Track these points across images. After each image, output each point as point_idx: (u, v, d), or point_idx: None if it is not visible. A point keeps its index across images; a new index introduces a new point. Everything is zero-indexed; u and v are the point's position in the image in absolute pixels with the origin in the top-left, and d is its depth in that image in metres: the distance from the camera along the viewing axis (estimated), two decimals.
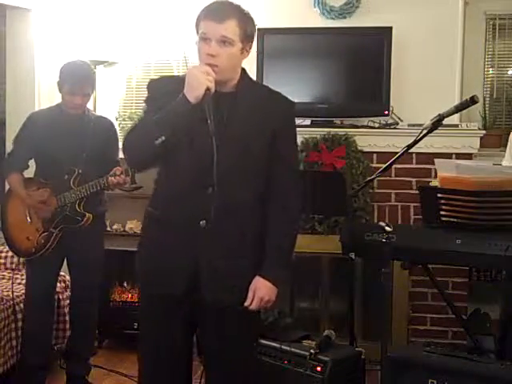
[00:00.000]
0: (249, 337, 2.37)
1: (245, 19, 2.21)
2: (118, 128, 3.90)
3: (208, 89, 2.09)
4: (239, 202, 2.21)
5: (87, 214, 3.40)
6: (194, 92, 2.09)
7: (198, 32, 2.20)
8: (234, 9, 2.20)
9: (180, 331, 2.29)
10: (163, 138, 2.11)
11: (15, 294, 3.61)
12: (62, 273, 3.69)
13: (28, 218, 3.45)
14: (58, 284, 3.72)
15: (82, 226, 3.40)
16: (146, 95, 2.32)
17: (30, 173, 3.59)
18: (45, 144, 3.39)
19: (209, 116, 2.09)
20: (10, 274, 3.96)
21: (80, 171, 3.38)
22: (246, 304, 2.22)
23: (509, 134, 3.59)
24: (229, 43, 2.15)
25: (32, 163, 3.58)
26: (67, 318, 3.87)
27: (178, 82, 2.16)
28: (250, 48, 2.26)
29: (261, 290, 2.22)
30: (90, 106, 4.26)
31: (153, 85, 2.32)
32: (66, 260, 3.56)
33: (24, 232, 3.45)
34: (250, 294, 2.22)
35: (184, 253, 2.21)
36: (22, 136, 3.49)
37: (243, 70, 2.30)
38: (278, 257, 2.26)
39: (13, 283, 3.62)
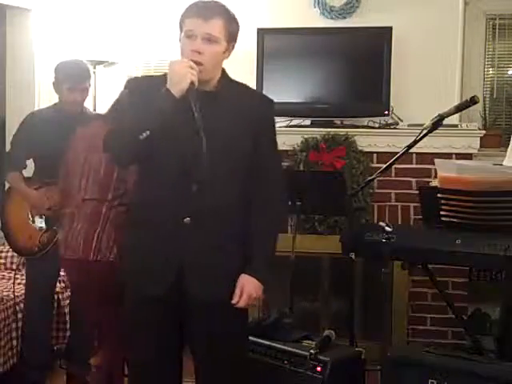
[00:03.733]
0: (237, 335, 2.34)
1: (230, 19, 2.21)
2: None
3: (192, 83, 2.10)
4: (224, 200, 2.21)
5: None
6: (177, 86, 2.10)
7: (181, 30, 2.20)
8: (221, 8, 2.21)
9: (169, 332, 2.29)
10: (148, 132, 2.11)
11: (16, 293, 3.60)
12: (61, 273, 3.68)
13: (30, 216, 3.44)
14: (58, 284, 3.71)
15: None
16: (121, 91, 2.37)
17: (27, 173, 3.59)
18: (45, 144, 3.37)
19: (195, 109, 2.10)
20: (11, 274, 3.96)
21: None
22: (233, 301, 2.22)
23: (508, 134, 3.59)
24: (214, 41, 2.16)
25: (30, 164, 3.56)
26: (67, 318, 3.86)
27: (158, 82, 2.17)
28: (233, 49, 2.26)
29: (248, 287, 2.22)
30: (89, 106, 4.27)
31: (132, 83, 2.36)
32: None
33: (26, 231, 3.44)
34: (237, 291, 2.22)
35: (168, 251, 2.21)
36: (19, 136, 3.48)
37: (223, 69, 2.30)
38: (263, 255, 2.27)
39: (14, 283, 3.59)
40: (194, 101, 2.11)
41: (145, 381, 2.34)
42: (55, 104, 3.53)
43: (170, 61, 2.16)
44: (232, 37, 2.22)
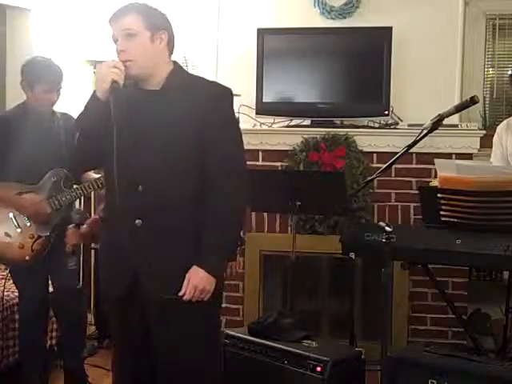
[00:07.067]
0: (200, 333, 2.30)
1: (147, 10, 2.24)
2: None
3: (114, 81, 2.13)
4: (171, 198, 2.22)
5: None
6: (100, 86, 2.15)
7: None
8: (132, 5, 2.25)
9: (136, 331, 2.34)
10: (77, 133, 2.21)
11: (15, 293, 3.59)
12: None
13: (16, 225, 3.26)
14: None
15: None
16: None
17: None
18: (19, 148, 3.18)
19: (112, 109, 2.12)
20: (8, 274, 3.95)
21: (66, 171, 3.28)
22: (180, 293, 2.21)
23: None
24: (134, 34, 2.20)
25: None
26: None
27: None
28: (166, 37, 2.26)
29: (194, 279, 2.21)
30: None
31: None
32: None
33: (14, 241, 3.24)
34: (184, 283, 2.22)
35: (124, 253, 2.25)
36: None
37: (176, 64, 2.31)
38: (213, 245, 2.23)
39: (15, 282, 3.52)
40: (114, 100, 2.12)
41: (120, 375, 2.45)
42: (24, 103, 3.36)
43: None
44: (154, 25, 2.22)
